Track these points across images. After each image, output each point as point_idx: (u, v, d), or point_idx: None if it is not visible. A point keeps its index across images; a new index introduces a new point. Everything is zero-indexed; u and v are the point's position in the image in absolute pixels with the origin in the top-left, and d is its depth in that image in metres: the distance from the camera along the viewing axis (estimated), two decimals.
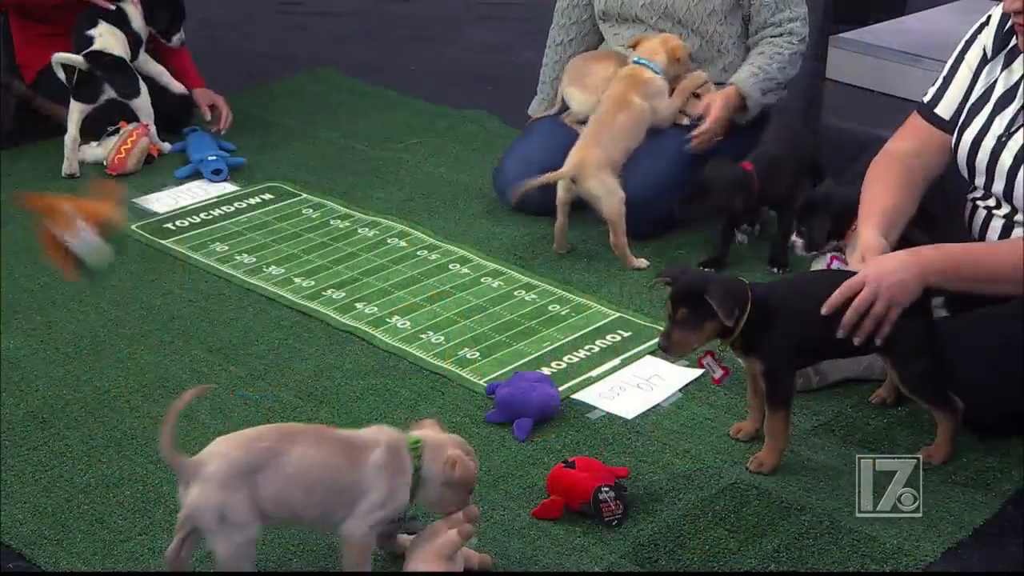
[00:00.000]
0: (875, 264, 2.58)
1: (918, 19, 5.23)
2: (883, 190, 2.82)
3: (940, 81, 2.92)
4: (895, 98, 4.65)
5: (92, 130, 4.06)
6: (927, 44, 4.81)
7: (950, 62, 2.91)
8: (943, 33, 4.90)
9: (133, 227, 3.63)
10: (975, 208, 2.85)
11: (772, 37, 3.67)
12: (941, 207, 2.92)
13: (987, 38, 2.83)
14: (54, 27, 4.18)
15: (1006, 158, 2.72)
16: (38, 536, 2.42)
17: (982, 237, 2.82)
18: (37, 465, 2.62)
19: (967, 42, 2.89)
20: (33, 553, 2.38)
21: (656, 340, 3.06)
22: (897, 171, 2.86)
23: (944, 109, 2.89)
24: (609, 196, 3.38)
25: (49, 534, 2.43)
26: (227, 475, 2.15)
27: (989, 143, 2.76)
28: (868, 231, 2.73)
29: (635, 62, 3.57)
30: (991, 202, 2.81)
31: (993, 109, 2.77)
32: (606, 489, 2.45)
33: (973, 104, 2.82)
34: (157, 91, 4.21)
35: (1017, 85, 2.75)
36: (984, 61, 2.83)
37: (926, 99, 2.93)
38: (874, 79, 4.79)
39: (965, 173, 2.83)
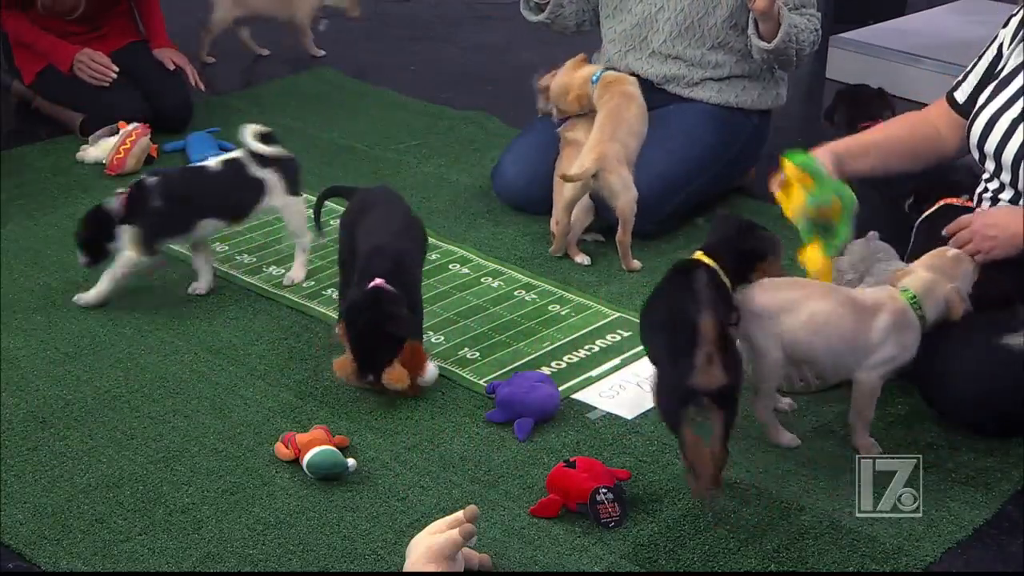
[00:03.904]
0: (984, 214, 2.74)
1: (918, 19, 5.24)
2: (882, 128, 3.04)
3: (968, 67, 3.00)
4: (895, 98, 4.65)
5: (91, 130, 4.08)
6: (927, 44, 4.81)
7: (981, 50, 2.99)
8: (943, 33, 4.93)
9: None
10: (985, 191, 2.88)
11: (789, 10, 3.63)
12: None
13: (1008, 30, 2.90)
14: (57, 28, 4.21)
15: (1012, 144, 2.76)
16: (38, 536, 2.42)
17: None
18: (37, 465, 2.62)
19: (999, 32, 2.96)
20: (33, 553, 2.38)
21: None
22: (900, 121, 3.07)
23: (961, 94, 2.98)
24: (626, 192, 3.37)
25: (49, 534, 2.43)
26: (754, 312, 2.54)
27: (1002, 127, 2.80)
28: (828, 146, 2.87)
29: (595, 80, 3.55)
30: (995, 184, 2.84)
31: (1002, 93, 2.82)
32: (604, 491, 2.45)
33: (989, 92, 2.86)
34: (157, 92, 4.23)
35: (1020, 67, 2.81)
36: (999, 55, 2.89)
37: (953, 83, 3.03)
38: (874, 79, 4.79)
39: (976, 156, 2.87)
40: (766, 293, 2.59)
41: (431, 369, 2.84)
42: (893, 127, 3.06)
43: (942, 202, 2.91)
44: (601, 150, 3.38)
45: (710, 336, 2.38)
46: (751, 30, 3.58)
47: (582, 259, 3.47)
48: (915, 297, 2.58)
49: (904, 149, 2.98)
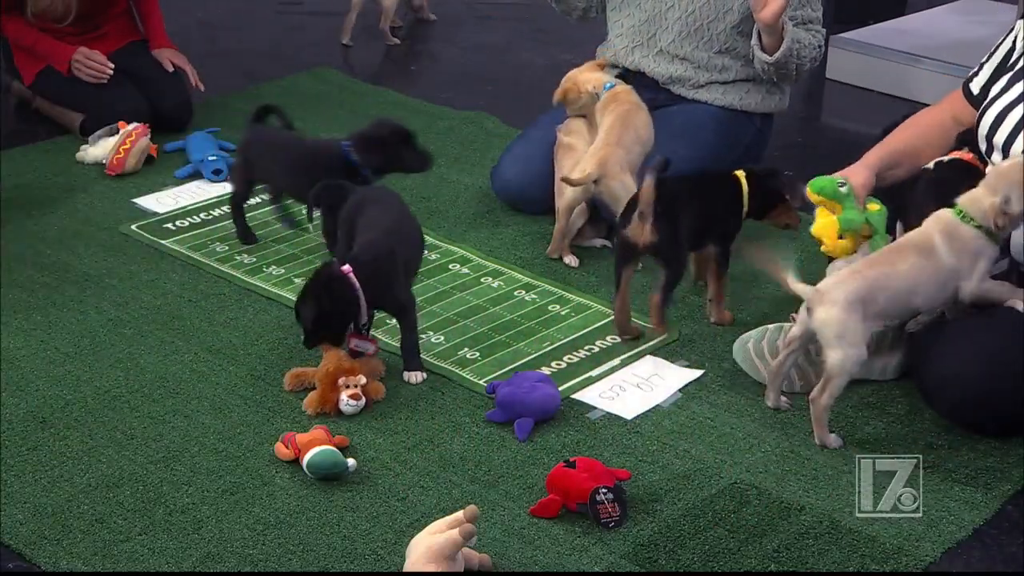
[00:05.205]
0: None
1: (918, 19, 5.23)
2: (901, 132, 3.06)
3: (984, 57, 3.02)
4: (895, 98, 4.66)
5: (91, 130, 4.08)
6: (927, 44, 4.81)
7: (998, 40, 3.01)
8: (943, 33, 4.93)
9: (133, 227, 3.63)
10: None
11: (796, 24, 3.61)
12: None
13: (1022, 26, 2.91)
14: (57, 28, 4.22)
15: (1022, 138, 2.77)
16: (38, 536, 2.42)
17: None
18: (37, 465, 2.62)
19: (1016, 24, 2.97)
20: (33, 553, 2.38)
21: (657, 340, 3.08)
22: (924, 121, 3.08)
23: (976, 84, 3.00)
24: (628, 196, 3.36)
25: (49, 534, 2.43)
26: (847, 300, 2.62)
27: (1012, 120, 2.80)
28: (868, 161, 2.99)
29: (607, 88, 3.53)
30: None
31: (1015, 86, 2.82)
32: (604, 491, 2.45)
33: (1003, 85, 2.86)
34: (157, 92, 4.23)
35: None
36: (1014, 48, 2.89)
37: (970, 72, 3.04)
38: (874, 79, 4.80)
39: (984, 148, 2.87)
40: (854, 279, 2.66)
41: (344, 400, 2.78)
42: (919, 131, 3.07)
43: (953, 155, 2.95)
44: (604, 155, 3.35)
45: (645, 199, 2.92)
46: (754, 40, 3.57)
47: (571, 260, 3.46)
48: (961, 211, 2.70)
49: (932, 151, 3.02)
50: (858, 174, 2.97)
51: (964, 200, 2.71)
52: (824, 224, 2.96)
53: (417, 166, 3.41)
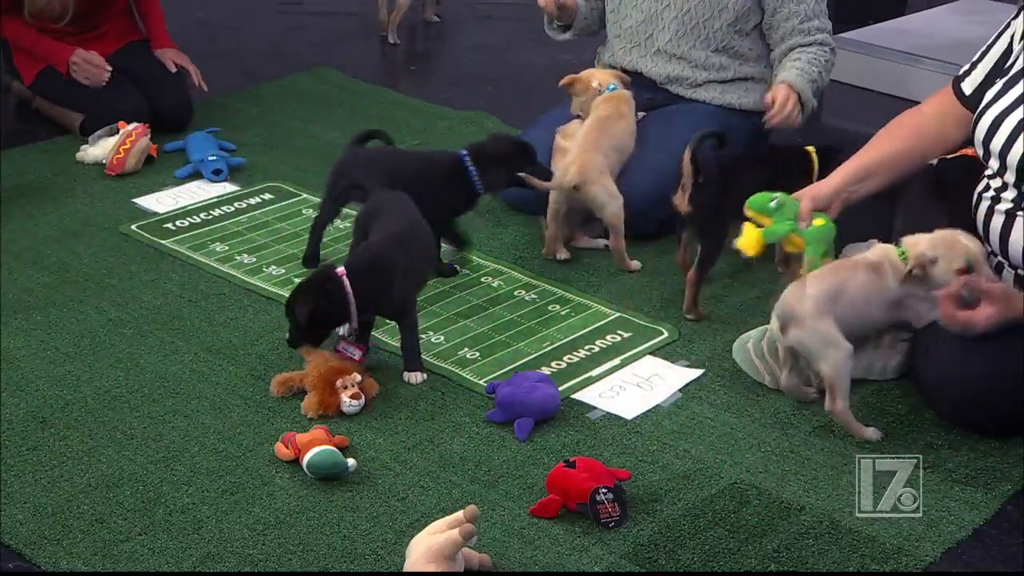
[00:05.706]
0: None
1: (918, 19, 5.24)
2: (876, 142, 2.99)
3: (976, 55, 2.97)
4: (895, 98, 4.66)
5: (91, 130, 4.08)
6: (927, 44, 4.81)
7: (990, 39, 2.96)
8: (943, 33, 4.93)
9: (133, 227, 3.63)
10: (987, 189, 2.86)
11: (803, 46, 3.64)
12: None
13: (1021, 21, 2.86)
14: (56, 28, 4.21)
15: (1018, 146, 2.74)
16: (38, 536, 2.42)
17: (987, 219, 2.81)
18: (37, 465, 2.62)
19: (1009, 22, 2.92)
20: (33, 553, 2.38)
21: (657, 340, 3.08)
22: (905, 125, 3.00)
23: (968, 85, 2.95)
24: (612, 201, 3.36)
25: (49, 534, 2.43)
26: (815, 306, 2.68)
27: (1008, 127, 2.77)
28: (833, 178, 2.94)
29: (610, 88, 3.55)
30: (997, 183, 2.82)
31: (1011, 91, 2.80)
32: (604, 491, 2.45)
33: (998, 89, 2.83)
34: (157, 92, 4.23)
35: None
36: (1010, 50, 2.87)
37: (960, 71, 3.00)
38: (874, 79, 4.80)
39: (981, 153, 2.85)
40: (815, 286, 2.71)
41: (345, 402, 2.78)
42: (898, 138, 2.99)
43: (962, 152, 2.94)
44: (583, 161, 3.36)
45: (686, 170, 3.11)
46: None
47: (563, 255, 3.47)
48: (904, 252, 2.72)
49: (914, 157, 2.98)
50: (811, 192, 2.92)
51: (908, 241, 2.73)
52: (747, 237, 2.93)
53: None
